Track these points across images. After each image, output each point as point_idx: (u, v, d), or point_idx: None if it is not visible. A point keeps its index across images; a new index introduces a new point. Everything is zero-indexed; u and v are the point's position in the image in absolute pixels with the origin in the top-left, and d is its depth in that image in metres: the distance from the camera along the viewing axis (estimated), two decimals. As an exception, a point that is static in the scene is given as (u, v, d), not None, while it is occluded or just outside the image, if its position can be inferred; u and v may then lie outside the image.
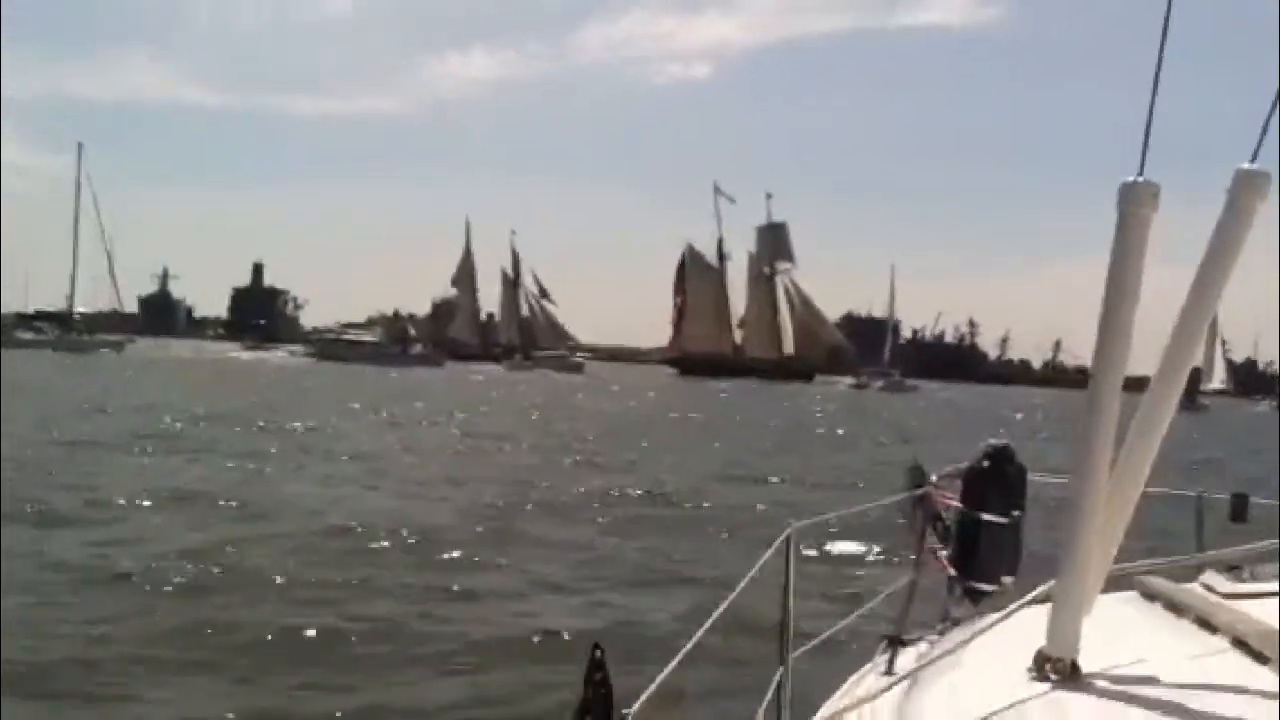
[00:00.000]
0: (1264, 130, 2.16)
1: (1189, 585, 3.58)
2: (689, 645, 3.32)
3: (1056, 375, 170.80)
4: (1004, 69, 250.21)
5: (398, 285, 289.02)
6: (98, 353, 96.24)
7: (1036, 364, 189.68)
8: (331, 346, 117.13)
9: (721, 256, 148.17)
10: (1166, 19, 2.24)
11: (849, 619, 5.79)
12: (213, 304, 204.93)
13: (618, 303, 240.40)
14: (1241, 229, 2.16)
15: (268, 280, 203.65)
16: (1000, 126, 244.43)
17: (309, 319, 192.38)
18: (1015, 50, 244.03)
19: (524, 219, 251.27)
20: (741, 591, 3.95)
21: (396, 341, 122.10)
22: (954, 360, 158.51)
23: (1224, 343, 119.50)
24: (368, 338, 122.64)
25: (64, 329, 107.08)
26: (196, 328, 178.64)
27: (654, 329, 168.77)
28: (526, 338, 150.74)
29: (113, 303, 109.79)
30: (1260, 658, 2.56)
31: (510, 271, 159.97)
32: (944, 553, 5.43)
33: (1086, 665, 2.48)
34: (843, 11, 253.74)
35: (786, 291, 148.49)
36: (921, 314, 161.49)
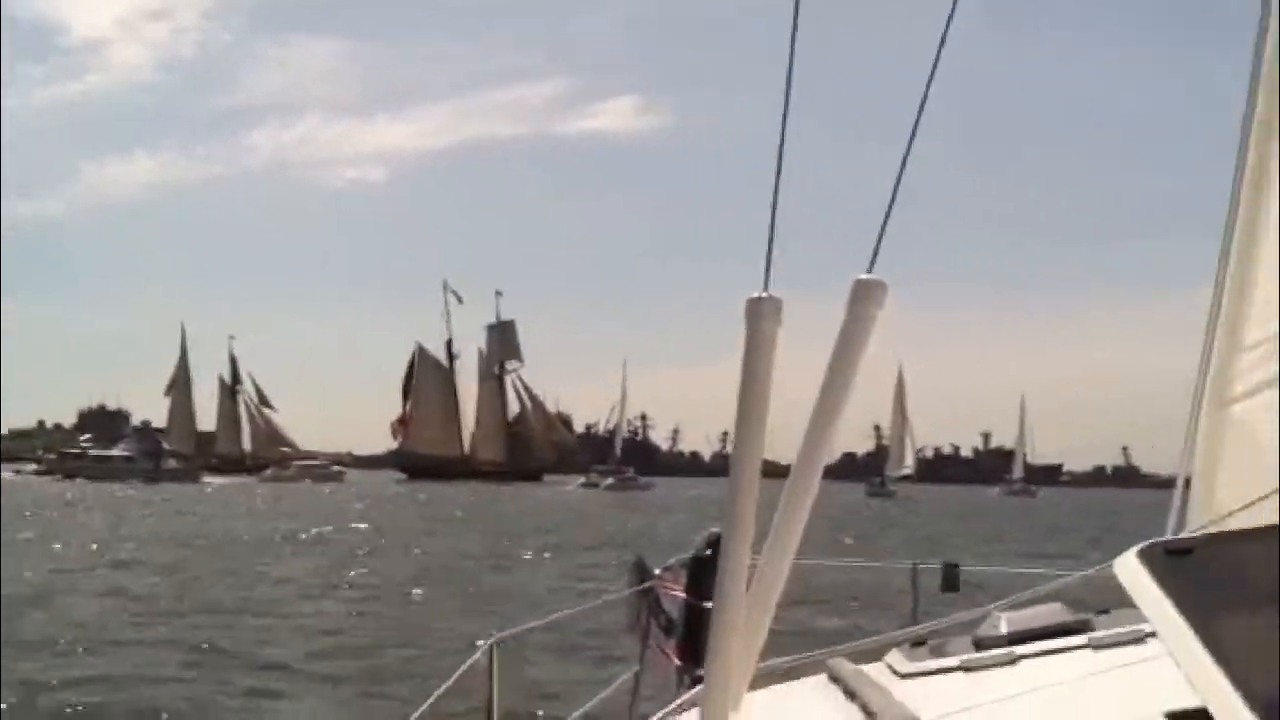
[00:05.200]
0: (878, 240, 2.28)
1: (874, 665, 3.55)
2: None
3: (726, 465, 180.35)
4: (665, 173, 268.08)
5: (36, 397, 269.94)
6: None
7: (707, 455, 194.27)
8: (74, 462, 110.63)
9: (451, 356, 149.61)
10: (782, 138, 2.35)
11: (570, 718, 5.72)
12: None
13: (336, 409, 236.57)
14: (862, 335, 2.26)
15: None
16: (666, 228, 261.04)
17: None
18: (675, 154, 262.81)
19: (213, 325, 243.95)
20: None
21: (150, 455, 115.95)
22: (630, 454, 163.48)
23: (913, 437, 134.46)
24: (118, 451, 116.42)
25: None
26: None
27: (377, 433, 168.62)
28: (256, 446, 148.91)
29: None
30: None
31: (228, 378, 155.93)
32: (670, 645, 5.43)
33: None
34: (513, 120, 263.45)
35: (516, 391, 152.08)
36: (597, 409, 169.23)
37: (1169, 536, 3.18)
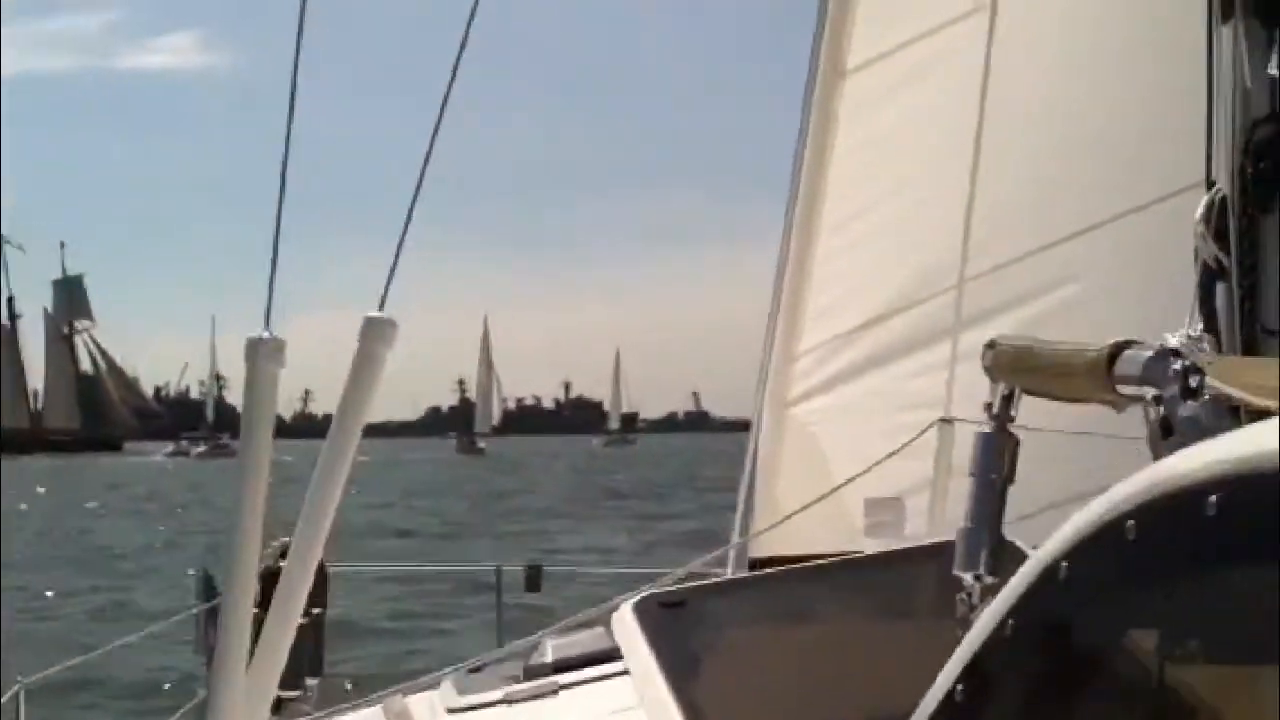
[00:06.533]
0: (389, 279, 2.22)
1: (427, 695, 3.39)
2: None
3: (309, 425, 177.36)
4: (234, 111, 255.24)
5: None
6: None
7: (288, 416, 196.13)
8: None
9: (13, 316, 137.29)
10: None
11: None
12: None
13: None
14: (374, 372, 2.20)
15: None
16: (232, 175, 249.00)
17: None
18: (240, 95, 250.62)
19: None
20: None
21: None
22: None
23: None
24: None
25: None
26: None
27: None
28: None
29: None
30: None
31: None
32: None
33: None
34: (63, 52, 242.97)
35: (89, 353, 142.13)
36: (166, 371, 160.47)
37: (664, 589, 3.23)
